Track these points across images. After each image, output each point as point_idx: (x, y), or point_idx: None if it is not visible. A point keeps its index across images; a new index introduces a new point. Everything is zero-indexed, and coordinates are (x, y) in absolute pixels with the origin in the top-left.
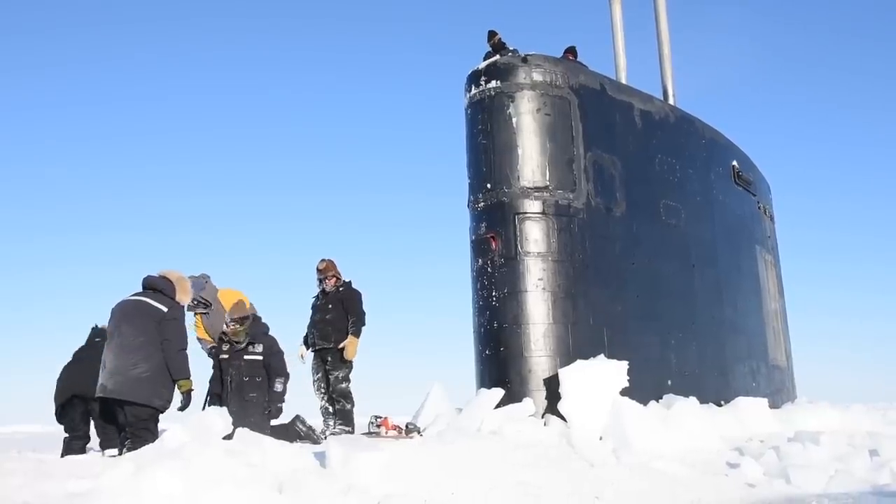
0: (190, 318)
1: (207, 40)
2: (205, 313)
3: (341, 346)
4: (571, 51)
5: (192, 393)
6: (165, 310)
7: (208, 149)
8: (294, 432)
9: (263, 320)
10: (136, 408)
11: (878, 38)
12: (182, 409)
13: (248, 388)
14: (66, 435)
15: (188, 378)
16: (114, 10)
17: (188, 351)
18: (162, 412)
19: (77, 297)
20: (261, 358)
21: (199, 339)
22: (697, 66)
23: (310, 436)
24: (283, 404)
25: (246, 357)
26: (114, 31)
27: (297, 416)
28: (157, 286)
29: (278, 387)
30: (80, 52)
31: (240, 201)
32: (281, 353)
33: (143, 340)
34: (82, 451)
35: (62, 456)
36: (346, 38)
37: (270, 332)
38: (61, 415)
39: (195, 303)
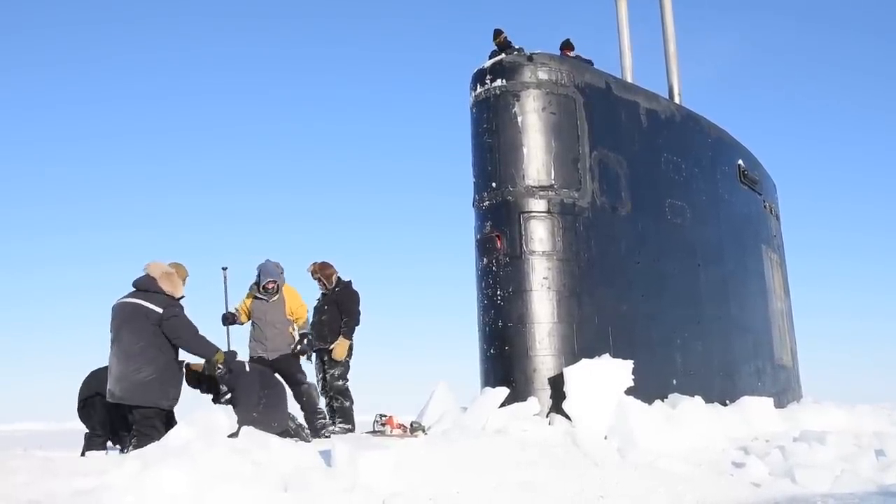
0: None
1: (207, 39)
2: (264, 299)
3: (331, 346)
4: (567, 45)
5: (229, 358)
6: (161, 311)
7: (210, 147)
8: (284, 430)
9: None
10: (144, 409)
11: (886, 34)
12: (224, 375)
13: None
14: (87, 431)
15: (217, 351)
16: (113, 10)
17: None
18: (169, 410)
19: (79, 295)
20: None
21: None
22: (703, 64)
23: (299, 433)
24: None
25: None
26: (113, 31)
27: (288, 414)
28: (149, 287)
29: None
30: (79, 52)
31: (241, 200)
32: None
33: (143, 345)
34: (103, 447)
35: (83, 453)
36: (349, 37)
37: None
38: (83, 412)
39: (270, 286)
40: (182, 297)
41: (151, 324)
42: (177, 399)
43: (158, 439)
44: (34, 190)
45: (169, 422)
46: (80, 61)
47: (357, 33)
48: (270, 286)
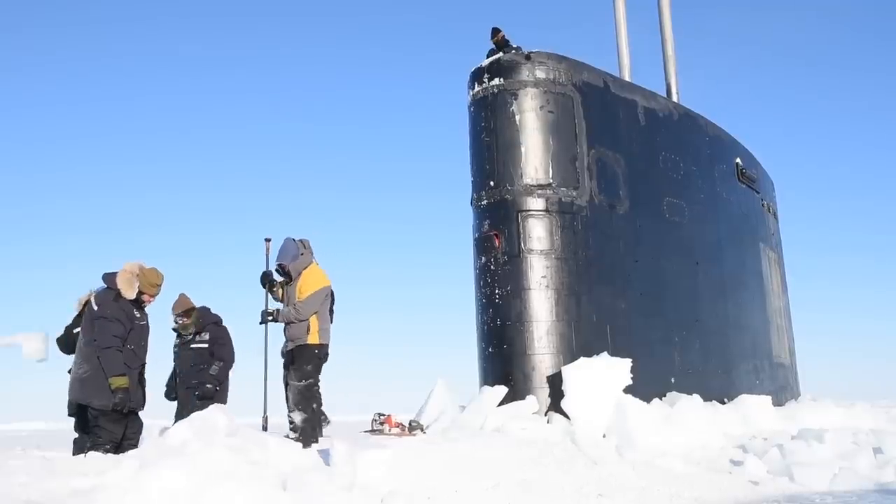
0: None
1: (208, 40)
2: (287, 283)
3: None
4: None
5: (127, 391)
6: (97, 308)
7: (210, 147)
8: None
9: (213, 311)
10: (90, 408)
11: (883, 34)
12: (114, 408)
13: (193, 376)
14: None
15: (117, 375)
16: (114, 10)
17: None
18: (112, 411)
19: (79, 295)
20: (207, 346)
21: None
22: (701, 63)
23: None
24: (215, 386)
25: (192, 346)
26: (113, 31)
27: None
28: (108, 283)
29: (213, 369)
30: (79, 52)
31: (240, 199)
32: (229, 342)
33: (86, 340)
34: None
35: (73, 454)
36: (348, 36)
37: (223, 324)
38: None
39: (280, 271)
40: (136, 300)
41: (91, 320)
42: (122, 401)
43: (107, 439)
44: (34, 190)
45: (133, 423)
46: (79, 61)
47: (355, 33)
48: (285, 270)
